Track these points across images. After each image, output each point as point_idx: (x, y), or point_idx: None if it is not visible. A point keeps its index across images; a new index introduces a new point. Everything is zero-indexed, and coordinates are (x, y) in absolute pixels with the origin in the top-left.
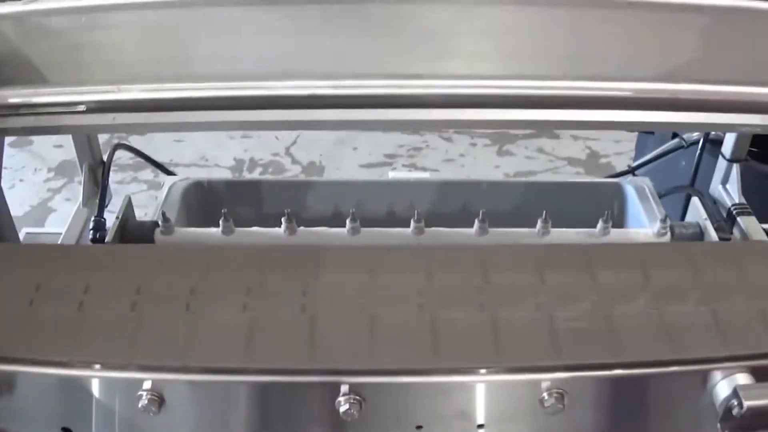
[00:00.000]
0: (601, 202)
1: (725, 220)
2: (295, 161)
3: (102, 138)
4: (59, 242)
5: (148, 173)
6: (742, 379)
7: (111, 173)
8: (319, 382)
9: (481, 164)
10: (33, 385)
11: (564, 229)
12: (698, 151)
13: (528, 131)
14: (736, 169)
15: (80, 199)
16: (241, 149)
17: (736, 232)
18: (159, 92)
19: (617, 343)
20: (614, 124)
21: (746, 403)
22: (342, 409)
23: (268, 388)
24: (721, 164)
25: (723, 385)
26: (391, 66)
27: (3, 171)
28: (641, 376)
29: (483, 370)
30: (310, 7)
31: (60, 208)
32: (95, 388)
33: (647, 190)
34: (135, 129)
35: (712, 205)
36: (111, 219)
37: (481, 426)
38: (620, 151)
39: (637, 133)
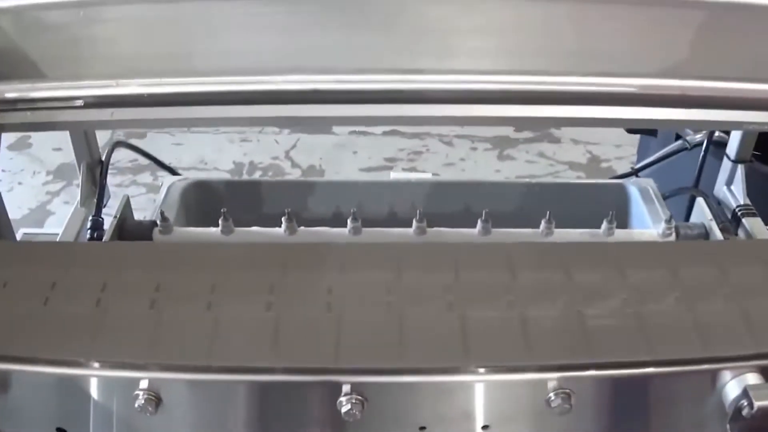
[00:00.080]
0: (604, 203)
1: (730, 221)
2: (294, 165)
3: (102, 140)
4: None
5: (147, 176)
6: (752, 378)
7: (109, 177)
8: (321, 381)
9: (482, 168)
10: (27, 385)
11: (568, 230)
12: (702, 153)
13: (529, 135)
14: (740, 170)
15: (78, 199)
16: (240, 153)
17: (741, 233)
18: (158, 87)
19: (626, 342)
20: (619, 121)
21: (757, 404)
22: (343, 409)
23: (269, 388)
24: (726, 165)
25: (732, 385)
26: (394, 61)
27: (1, 174)
28: (649, 376)
29: (488, 370)
30: (311, 1)
31: (58, 211)
32: (90, 387)
33: (651, 191)
34: (133, 124)
35: (716, 206)
36: (109, 220)
37: (485, 427)
38: (621, 155)
39: (638, 137)
